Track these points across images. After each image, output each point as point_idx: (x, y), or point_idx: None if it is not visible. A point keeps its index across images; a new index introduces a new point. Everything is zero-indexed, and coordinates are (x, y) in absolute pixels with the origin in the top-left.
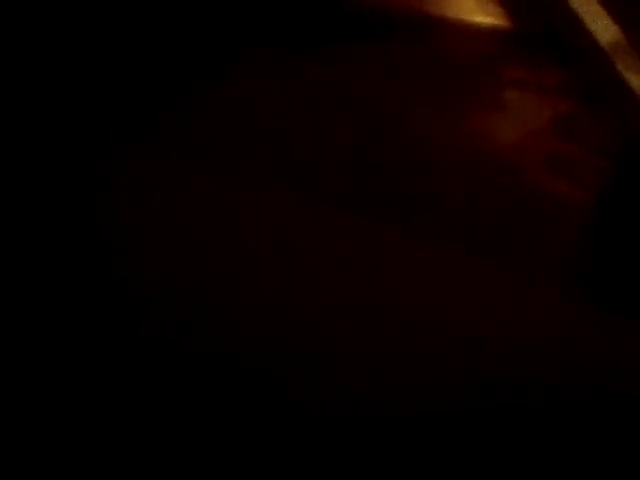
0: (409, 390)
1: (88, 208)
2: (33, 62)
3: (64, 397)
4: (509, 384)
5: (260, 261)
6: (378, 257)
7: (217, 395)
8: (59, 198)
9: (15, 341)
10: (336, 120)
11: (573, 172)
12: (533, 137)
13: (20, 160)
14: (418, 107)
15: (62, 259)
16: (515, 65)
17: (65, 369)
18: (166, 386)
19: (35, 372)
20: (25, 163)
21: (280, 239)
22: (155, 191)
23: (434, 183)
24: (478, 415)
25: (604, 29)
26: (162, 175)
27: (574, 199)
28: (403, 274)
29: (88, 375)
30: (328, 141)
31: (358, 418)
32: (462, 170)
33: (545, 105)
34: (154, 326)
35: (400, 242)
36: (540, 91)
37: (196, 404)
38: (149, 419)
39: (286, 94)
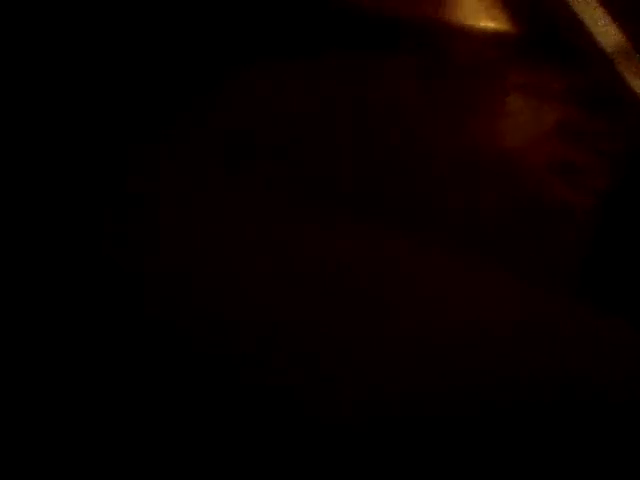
0: (411, 391)
1: (99, 206)
2: (53, 69)
3: (64, 397)
4: (510, 384)
5: (260, 262)
6: (379, 259)
7: (216, 398)
8: (70, 199)
9: (17, 340)
10: (340, 124)
11: (576, 175)
12: (536, 141)
13: (35, 160)
14: (421, 110)
15: (70, 258)
16: (519, 70)
17: (67, 368)
18: (168, 389)
19: (36, 372)
20: (41, 163)
21: (281, 240)
22: (159, 189)
23: (437, 186)
24: (479, 414)
25: (608, 34)
26: (172, 174)
27: (577, 202)
28: (405, 276)
29: (89, 375)
30: (331, 145)
31: (358, 419)
32: (465, 173)
33: (549, 109)
34: (154, 328)
35: (402, 243)
36: (544, 95)
37: (197, 407)
38: (150, 420)
39: (290, 100)
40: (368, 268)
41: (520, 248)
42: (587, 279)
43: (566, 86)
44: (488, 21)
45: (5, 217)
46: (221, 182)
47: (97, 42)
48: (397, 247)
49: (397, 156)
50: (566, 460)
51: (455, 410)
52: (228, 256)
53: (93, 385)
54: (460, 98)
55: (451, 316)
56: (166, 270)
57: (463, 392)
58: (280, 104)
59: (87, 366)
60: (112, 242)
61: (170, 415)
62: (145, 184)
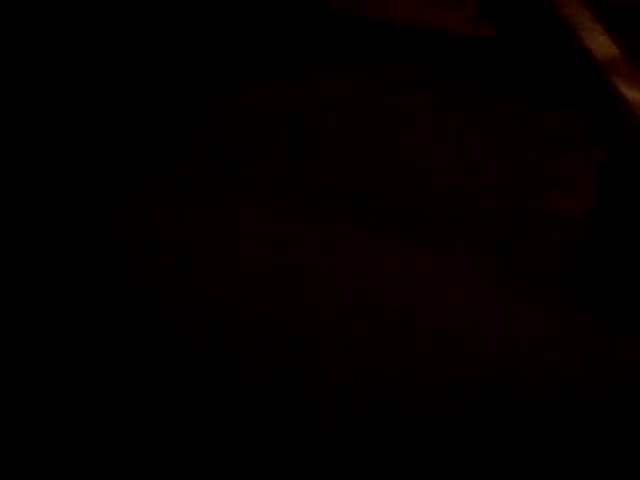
0: (408, 398)
1: (103, 216)
2: (63, 84)
3: (64, 397)
4: (508, 395)
5: (261, 268)
6: (377, 267)
7: (218, 396)
8: (66, 201)
9: (20, 342)
10: (337, 135)
11: (570, 183)
12: (530, 147)
13: (43, 175)
14: (416, 120)
15: (65, 259)
16: (512, 78)
17: (65, 368)
18: (168, 388)
19: (35, 371)
20: (48, 178)
21: (281, 251)
22: (159, 199)
23: (432, 196)
24: (476, 424)
25: (600, 43)
26: (170, 179)
27: (569, 209)
28: (402, 284)
29: (90, 375)
30: (330, 153)
31: (357, 421)
32: (461, 183)
33: (542, 117)
34: (160, 330)
35: (399, 253)
36: (537, 103)
37: (196, 406)
38: (151, 419)
39: (292, 110)
40: (365, 276)
41: (514, 254)
42: (580, 285)
43: (559, 94)
44: (483, 29)
45: (5, 223)
46: (220, 187)
47: (95, 54)
48: (394, 257)
49: (396, 160)
50: (557, 467)
51: (452, 420)
52: (228, 256)
53: (91, 385)
54: (453, 107)
55: (451, 326)
56: (164, 271)
57: (462, 403)
58: (278, 113)
59: (84, 366)
60: (109, 244)
61: (169, 415)
62: (142, 187)
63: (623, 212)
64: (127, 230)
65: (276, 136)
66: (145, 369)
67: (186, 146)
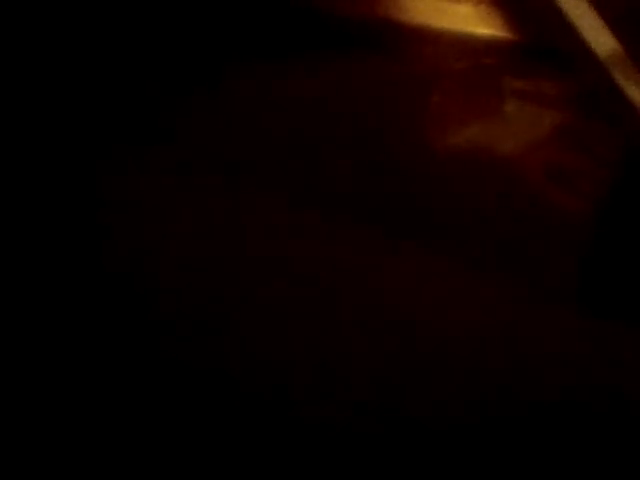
0: (409, 404)
1: (103, 216)
2: (41, 78)
3: (64, 397)
4: (508, 395)
5: (261, 269)
6: (377, 267)
7: (217, 406)
8: (60, 206)
9: (16, 344)
10: (335, 134)
11: (573, 183)
12: (533, 148)
13: (23, 170)
14: (417, 119)
15: (60, 267)
16: (515, 76)
17: (66, 370)
18: (166, 394)
19: (36, 373)
20: (28, 172)
21: (281, 251)
22: (151, 198)
23: (432, 195)
24: (475, 423)
25: (603, 41)
26: (157, 184)
27: (574, 210)
28: (402, 287)
29: (89, 378)
30: (326, 155)
31: (356, 430)
32: (462, 182)
33: (545, 116)
34: (155, 334)
35: (399, 253)
36: (540, 102)
37: (195, 415)
38: (148, 424)
39: (276, 105)
40: (364, 279)
41: (519, 260)
42: (585, 284)
43: (562, 92)
44: (484, 28)
45: None
46: (219, 187)
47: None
48: (393, 257)
49: (394, 160)
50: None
51: (453, 426)
52: (227, 256)
53: (88, 386)
54: (456, 105)
55: (451, 333)
56: (165, 271)
57: (462, 407)
58: (268, 112)
59: (82, 368)
60: (108, 244)
61: (169, 417)
62: (138, 184)
63: (627, 211)
64: (127, 230)
65: (275, 136)
66: (144, 369)
67: (186, 146)
